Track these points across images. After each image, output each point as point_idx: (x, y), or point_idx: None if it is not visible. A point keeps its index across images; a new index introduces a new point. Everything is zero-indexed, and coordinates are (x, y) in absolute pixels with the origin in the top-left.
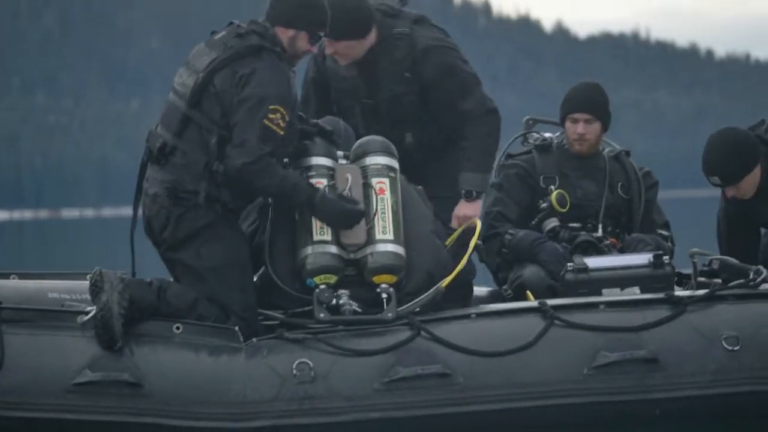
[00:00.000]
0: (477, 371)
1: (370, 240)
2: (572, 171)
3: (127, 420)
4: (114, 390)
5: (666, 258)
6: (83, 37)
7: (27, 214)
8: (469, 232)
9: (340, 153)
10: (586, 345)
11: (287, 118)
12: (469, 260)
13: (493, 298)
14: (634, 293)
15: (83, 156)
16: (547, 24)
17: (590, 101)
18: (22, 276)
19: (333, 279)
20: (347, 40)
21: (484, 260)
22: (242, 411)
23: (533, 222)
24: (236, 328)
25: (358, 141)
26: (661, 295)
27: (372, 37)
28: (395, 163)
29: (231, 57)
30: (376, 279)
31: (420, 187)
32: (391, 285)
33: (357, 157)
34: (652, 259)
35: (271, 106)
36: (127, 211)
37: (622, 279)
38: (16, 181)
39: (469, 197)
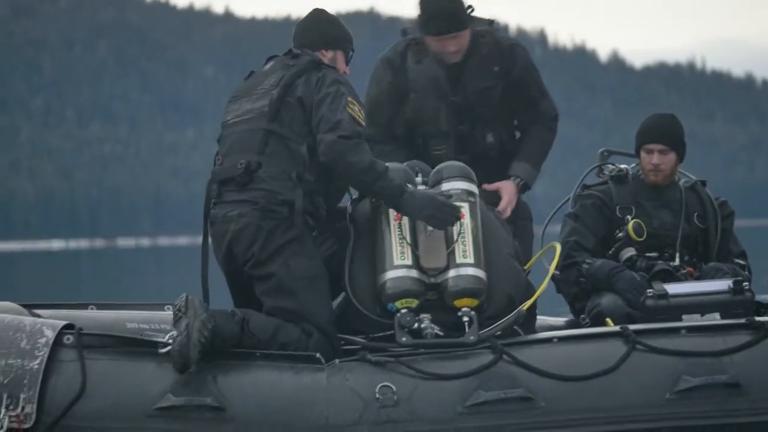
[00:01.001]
0: (559, 395)
1: (451, 264)
2: (648, 201)
3: None
4: (196, 414)
5: (746, 284)
6: (138, 67)
7: (83, 243)
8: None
9: (418, 179)
10: (668, 370)
11: (363, 114)
12: (531, 286)
13: (570, 327)
14: (714, 319)
15: (138, 185)
16: (603, 54)
17: (665, 132)
18: (100, 306)
19: (414, 303)
20: (460, 30)
21: (561, 290)
22: None
23: (610, 252)
24: (317, 354)
25: (437, 167)
26: (742, 321)
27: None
28: (474, 188)
29: (299, 71)
30: (457, 303)
31: (498, 210)
32: (472, 309)
33: (436, 183)
34: (731, 285)
35: (349, 98)
36: (182, 240)
37: (701, 305)
38: (72, 210)
39: (516, 183)
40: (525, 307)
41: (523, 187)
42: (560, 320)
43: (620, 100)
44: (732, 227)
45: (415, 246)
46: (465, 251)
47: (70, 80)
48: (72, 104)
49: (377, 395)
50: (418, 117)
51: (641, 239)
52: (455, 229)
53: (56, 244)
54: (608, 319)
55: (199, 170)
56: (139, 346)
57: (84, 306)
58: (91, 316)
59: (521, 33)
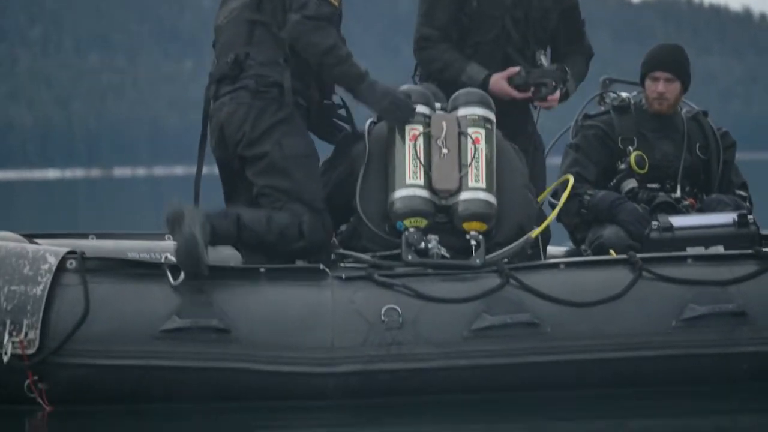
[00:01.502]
0: (565, 321)
1: (463, 187)
2: (651, 132)
3: (214, 365)
4: (202, 336)
5: (750, 217)
6: None
7: (79, 173)
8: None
9: (437, 104)
10: (674, 298)
11: None
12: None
13: (570, 257)
14: (718, 251)
15: (135, 115)
16: None
17: (672, 61)
18: (100, 236)
19: (423, 223)
20: None
21: (561, 220)
22: (329, 356)
23: (611, 183)
24: (321, 266)
25: (457, 92)
26: (748, 251)
27: None
28: (492, 116)
29: None
30: (466, 226)
31: (517, 146)
32: (480, 233)
33: (454, 108)
34: (736, 219)
35: None
36: (178, 170)
37: (706, 238)
38: (69, 140)
39: (560, 88)
40: (534, 235)
41: (564, 96)
42: (560, 249)
43: (618, 33)
44: (734, 158)
45: (428, 166)
46: (477, 176)
47: (68, 10)
48: (70, 34)
49: (383, 317)
50: (476, 25)
51: (643, 171)
52: (470, 152)
53: (53, 174)
54: (612, 251)
55: (197, 101)
56: (143, 269)
57: (84, 236)
58: (92, 245)
59: None
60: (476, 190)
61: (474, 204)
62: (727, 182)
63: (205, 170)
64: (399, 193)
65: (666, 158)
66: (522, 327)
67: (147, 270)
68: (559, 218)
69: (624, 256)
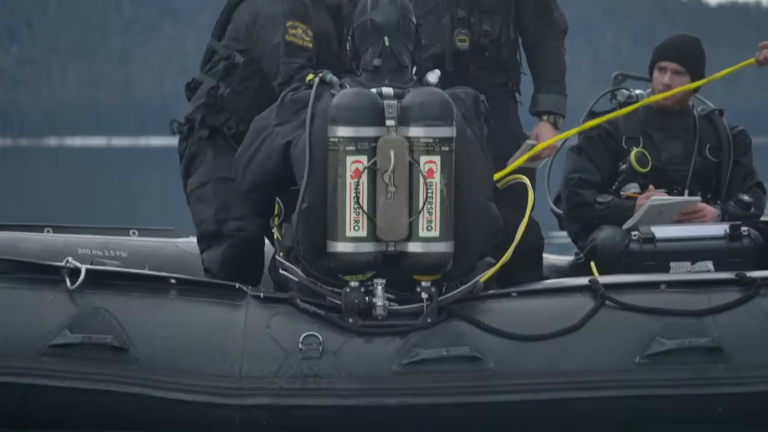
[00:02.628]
0: (512, 356)
1: (413, 235)
2: (658, 132)
3: (107, 389)
4: (95, 354)
5: (744, 230)
6: None
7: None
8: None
9: (390, 97)
10: (640, 330)
11: (310, 33)
12: (536, 224)
13: (572, 267)
14: (706, 268)
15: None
16: None
17: (683, 52)
18: (57, 229)
19: (367, 276)
20: None
21: (565, 228)
22: (237, 385)
23: (612, 188)
24: (237, 285)
25: (412, 97)
26: (731, 275)
27: None
28: (452, 132)
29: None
30: (416, 277)
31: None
32: (433, 282)
33: (408, 121)
34: (728, 230)
35: (288, 22)
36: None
37: (692, 252)
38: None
39: (551, 122)
40: (482, 279)
41: (558, 121)
42: (566, 259)
43: (696, 34)
44: (750, 159)
45: (372, 212)
46: (431, 222)
47: None
48: None
49: (300, 345)
50: None
51: (645, 170)
52: (422, 191)
53: None
54: (593, 265)
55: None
56: (39, 274)
57: (40, 228)
58: (40, 240)
59: None
60: (428, 241)
61: (425, 258)
62: (737, 185)
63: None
64: (339, 247)
65: (673, 161)
66: (460, 361)
67: (44, 274)
68: (561, 226)
69: (586, 281)
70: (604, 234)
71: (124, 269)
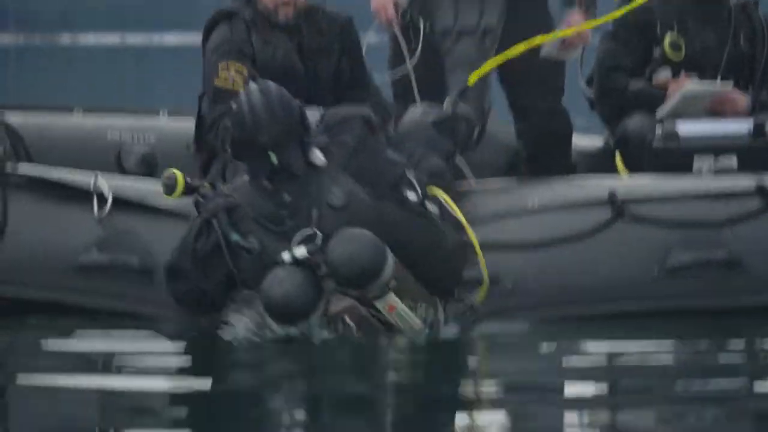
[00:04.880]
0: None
1: None
2: (692, 20)
3: (133, 309)
4: (123, 274)
5: None
6: None
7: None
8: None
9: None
10: (657, 242)
11: (245, 71)
12: (565, 111)
13: (601, 154)
14: (730, 163)
15: None
16: None
17: None
18: (87, 110)
19: None
20: None
21: (596, 110)
22: None
23: (645, 74)
24: None
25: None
26: (752, 184)
27: None
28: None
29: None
30: None
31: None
32: None
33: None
34: (751, 128)
35: (220, 63)
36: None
37: (716, 148)
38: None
39: (582, 7)
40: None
41: (590, 9)
42: (596, 145)
43: None
44: None
45: None
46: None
47: None
48: None
49: None
50: None
51: (678, 57)
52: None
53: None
54: (618, 157)
55: None
56: (69, 192)
57: (69, 109)
58: (68, 124)
59: None
60: None
61: None
62: None
63: None
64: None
65: (707, 49)
66: None
67: (74, 193)
68: (592, 106)
69: (605, 195)
70: (633, 123)
71: (149, 203)
